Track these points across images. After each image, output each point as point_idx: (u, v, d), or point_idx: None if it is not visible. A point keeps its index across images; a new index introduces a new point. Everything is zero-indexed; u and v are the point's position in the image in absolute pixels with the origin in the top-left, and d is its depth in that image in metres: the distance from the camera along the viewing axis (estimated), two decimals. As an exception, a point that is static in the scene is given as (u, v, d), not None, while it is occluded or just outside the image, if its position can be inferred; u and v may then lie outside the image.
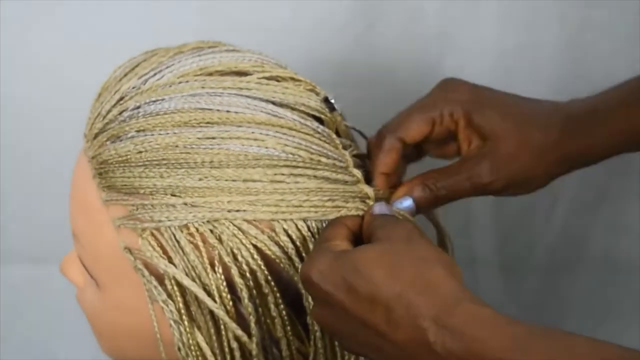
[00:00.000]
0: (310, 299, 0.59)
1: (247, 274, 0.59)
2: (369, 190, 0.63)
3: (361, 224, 0.61)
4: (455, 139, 0.67)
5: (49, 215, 0.99)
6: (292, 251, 0.60)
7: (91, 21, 0.91)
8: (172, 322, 0.60)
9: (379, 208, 0.61)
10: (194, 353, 0.60)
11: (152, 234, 0.60)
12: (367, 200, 0.63)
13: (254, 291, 0.59)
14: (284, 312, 0.60)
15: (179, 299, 0.60)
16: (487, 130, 0.66)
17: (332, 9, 0.92)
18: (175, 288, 0.60)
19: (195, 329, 0.60)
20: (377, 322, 0.52)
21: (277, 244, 0.60)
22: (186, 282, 0.59)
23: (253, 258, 0.59)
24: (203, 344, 0.60)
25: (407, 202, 0.64)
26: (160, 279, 0.60)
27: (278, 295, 0.60)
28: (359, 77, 0.95)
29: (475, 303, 0.51)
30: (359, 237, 0.60)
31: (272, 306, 0.60)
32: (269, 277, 0.59)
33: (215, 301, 0.59)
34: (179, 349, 0.60)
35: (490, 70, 0.94)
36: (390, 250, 0.54)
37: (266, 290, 0.59)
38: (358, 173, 0.63)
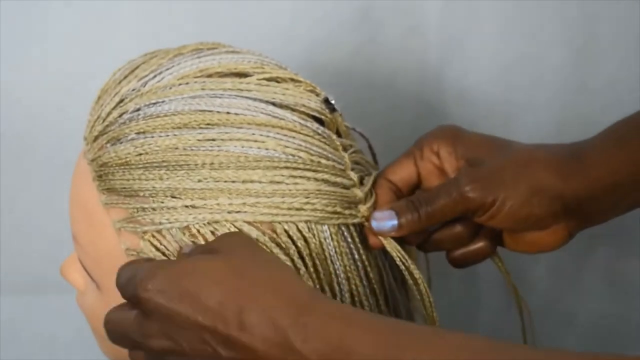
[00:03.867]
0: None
1: None
2: (361, 194, 0.63)
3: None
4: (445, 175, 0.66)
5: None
6: (293, 252, 0.60)
7: (90, 23, 0.91)
8: (173, 324, 0.60)
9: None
10: (195, 355, 0.60)
11: (154, 236, 0.60)
12: (360, 205, 0.63)
13: None
14: (285, 314, 0.60)
15: None
16: (468, 154, 0.65)
17: (333, 19, 0.92)
18: (176, 290, 0.60)
19: (197, 331, 0.60)
20: (228, 329, 0.49)
21: (278, 245, 0.60)
22: None
23: (254, 259, 0.59)
24: (204, 346, 0.60)
25: (392, 222, 0.63)
26: None
27: None
28: (359, 87, 0.94)
29: (333, 301, 0.50)
30: None
31: None
32: None
33: None
34: (180, 351, 0.60)
35: (492, 81, 0.93)
36: (235, 256, 0.52)
37: None
38: (355, 176, 0.63)
